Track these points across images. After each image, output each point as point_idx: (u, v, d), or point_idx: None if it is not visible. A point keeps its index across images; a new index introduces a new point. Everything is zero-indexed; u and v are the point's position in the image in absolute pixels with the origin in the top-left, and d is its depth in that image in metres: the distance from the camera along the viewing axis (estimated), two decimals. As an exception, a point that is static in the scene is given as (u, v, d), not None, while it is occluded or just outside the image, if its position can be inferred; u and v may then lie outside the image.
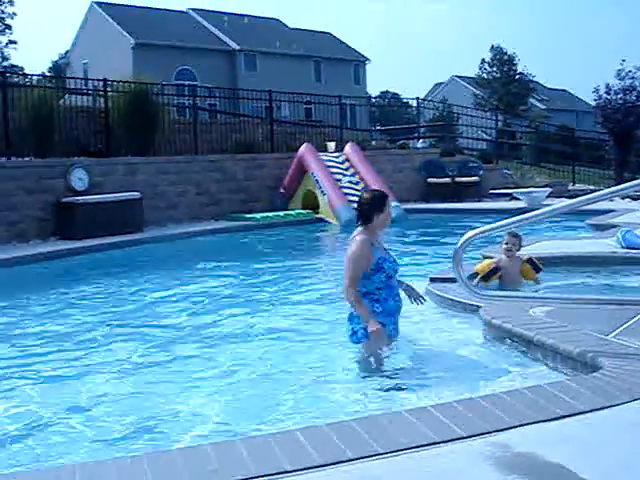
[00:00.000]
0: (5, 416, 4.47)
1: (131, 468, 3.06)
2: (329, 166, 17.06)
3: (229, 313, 7.32)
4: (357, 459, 3.07)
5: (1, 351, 6.16)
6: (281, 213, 16.57)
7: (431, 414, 3.54)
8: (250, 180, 17.50)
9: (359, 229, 5.42)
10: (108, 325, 7.03)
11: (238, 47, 50.22)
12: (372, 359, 5.15)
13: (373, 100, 49.46)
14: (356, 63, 57.13)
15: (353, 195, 16.42)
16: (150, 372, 5.37)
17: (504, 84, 54.14)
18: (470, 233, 4.74)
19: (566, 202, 5.36)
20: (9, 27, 60.48)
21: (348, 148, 18.06)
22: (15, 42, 61.75)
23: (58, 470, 3.15)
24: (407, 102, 36.07)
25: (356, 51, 58.28)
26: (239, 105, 21.82)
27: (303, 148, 17.33)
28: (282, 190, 17.57)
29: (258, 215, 16.25)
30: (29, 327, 7.06)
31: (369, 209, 5.38)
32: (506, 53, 56.39)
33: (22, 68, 49.74)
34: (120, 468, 3.07)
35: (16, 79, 18.63)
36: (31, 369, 5.55)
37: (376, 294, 5.28)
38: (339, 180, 16.74)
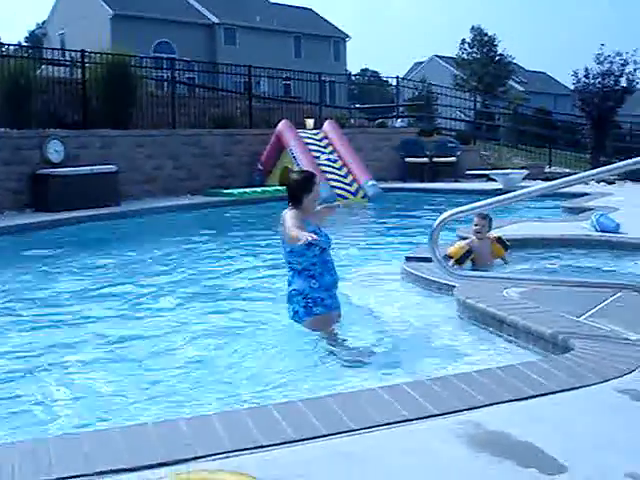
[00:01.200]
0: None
1: (105, 440, 3.07)
2: (307, 143, 17.03)
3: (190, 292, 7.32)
4: (331, 435, 3.10)
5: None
6: (258, 189, 16.54)
7: (404, 392, 3.58)
8: (228, 155, 17.44)
9: (288, 210, 5.42)
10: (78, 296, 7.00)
11: (218, 21, 49.73)
12: (323, 336, 5.18)
13: (353, 78, 49.21)
14: (336, 40, 56.82)
15: (331, 173, 16.45)
16: (125, 346, 5.37)
17: (484, 65, 54.11)
18: (446, 213, 4.77)
19: (542, 184, 5.39)
20: (-15, -5, 59.67)
21: (327, 125, 18.02)
22: (-9, 10, 61.04)
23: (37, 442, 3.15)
24: (387, 81, 36.01)
25: (336, 28, 57.97)
26: (218, 79, 21.68)
27: (281, 124, 17.27)
28: (260, 166, 17.52)
29: (235, 191, 16.21)
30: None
31: (298, 190, 5.42)
32: (486, 34, 56.32)
33: (-2, 37, 49.11)
34: (92, 441, 3.07)
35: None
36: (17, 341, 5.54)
37: (311, 270, 5.35)
38: (317, 157, 16.72)
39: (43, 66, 17.04)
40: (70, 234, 11.52)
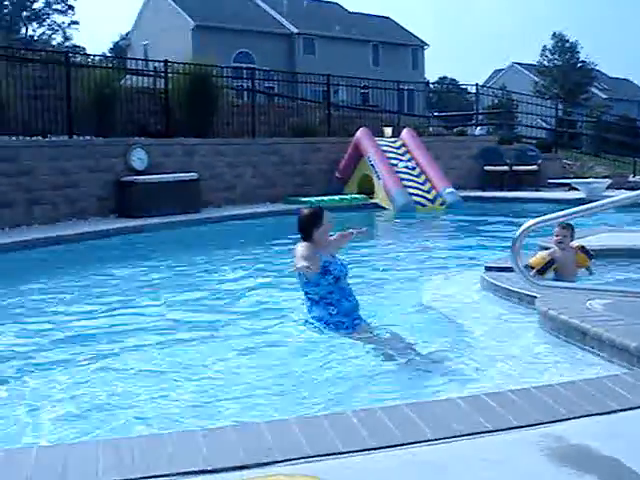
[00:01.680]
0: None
1: (186, 442, 3.13)
2: (385, 151, 17.02)
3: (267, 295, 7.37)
4: (409, 443, 3.08)
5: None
6: (336, 197, 16.59)
7: (485, 402, 3.54)
8: (306, 164, 17.56)
9: (300, 243, 5.60)
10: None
11: (297, 31, 50.18)
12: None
13: (431, 86, 48.98)
14: (414, 48, 56.62)
15: (409, 180, 16.39)
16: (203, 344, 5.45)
17: (565, 72, 53.17)
18: (529, 222, 4.69)
19: (626, 194, 5.25)
20: (71, 7, 61.80)
21: (405, 133, 17.97)
22: (77, 22, 63.34)
23: (115, 442, 3.23)
24: (465, 88, 35.63)
25: (415, 36, 57.77)
26: (297, 88, 21.86)
27: (360, 132, 17.30)
28: (338, 174, 17.58)
29: (313, 199, 16.28)
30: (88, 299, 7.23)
31: (307, 225, 5.60)
32: (568, 40, 55.35)
33: (84, 49, 50.81)
34: (175, 442, 3.14)
35: (78, 59, 18.88)
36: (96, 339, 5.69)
37: (328, 298, 5.49)
38: (395, 165, 16.68)
39: (127, 76, 17.48)
40: (152, 239, 11.82)
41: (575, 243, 7.48)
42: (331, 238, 5.85)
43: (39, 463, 2.94)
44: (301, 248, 5.49)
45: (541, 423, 3.31)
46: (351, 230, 6.24)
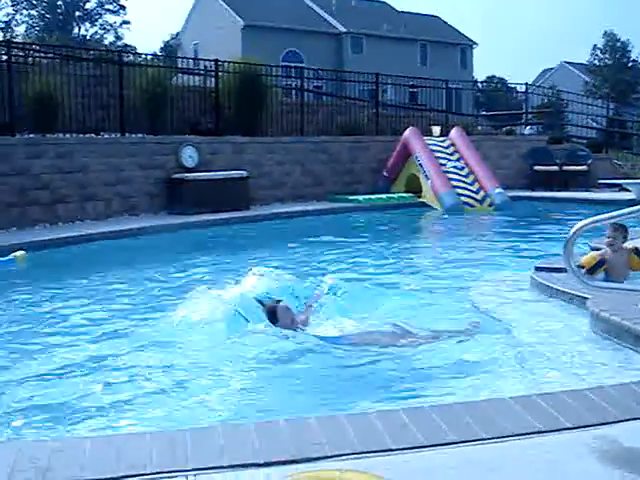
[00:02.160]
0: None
1: (237, 435, 3.18)
2: (433, 150, 16.93)
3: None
4: (461, 442, 3.08)
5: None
6: (384, 196, 16.58)
7: (536, 403, 3.52)
8: (354, 162, 17.57)
9: None
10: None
11: (345, 30, 50.18)
12: None
13: (479, 85, 48.55)
14: (463, 47, 56.20)
15: (457, 180, 16.29)
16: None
17: (616, 71, 52.31)
18: (582, 222, 4.65)
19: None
20: (123, 7, 62.59)
21: (453, 133, 17.87)
22: (128, 22, 64.03)
23: (171, 434, 3.28)
24: (514, 87, 35.24)
25: (463, 35, 57.32)
26: (345, 87, 21.87)
27: (408, 131, 17.25)
28: (385, 173, 17.56)
29: (361, 197, 16.31)
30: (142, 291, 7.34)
31: (270, 321, 5.81)
32: (619, 40, 54.45)
33: (135, 48, 51.41)
34: (227, 435, 3.18)
35: (131, 58, 19.16)
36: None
37: None
38: (443, 165, 16.59)
39: (178, 75, 17.68)
40: (205, 236, 11.98)
41: (630, 245, 7.36)
42: (301, 317, 6.04)
43: (93, 453, 3.00)
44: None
45: (593, 425, 3.28)
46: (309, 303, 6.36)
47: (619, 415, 3.38)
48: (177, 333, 5.67)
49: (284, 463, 2.89)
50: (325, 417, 3.48)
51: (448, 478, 2.79)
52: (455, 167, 16.69)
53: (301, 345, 5.35)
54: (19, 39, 40.43)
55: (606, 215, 4.88)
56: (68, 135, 13.26)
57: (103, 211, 12.91)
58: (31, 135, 12.82)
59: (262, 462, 2.90)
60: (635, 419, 3.35)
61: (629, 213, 5.00)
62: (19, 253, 8.93)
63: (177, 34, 57.90)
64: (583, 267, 6.90)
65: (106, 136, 13.92)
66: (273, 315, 5.83)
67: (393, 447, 3.03)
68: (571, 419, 3.32)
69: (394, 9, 57.02)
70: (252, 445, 3.05)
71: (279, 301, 5.97)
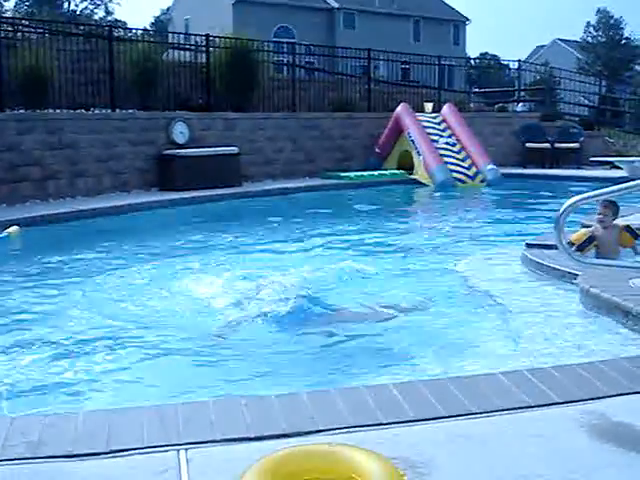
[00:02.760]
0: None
1: (228, 410, 3.19)
2: (426, 127, 16.90)
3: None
4: (451, 417, 3.11)
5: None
6: (375, 172, 16.55)
7: (526, 378, 3.54)
8: (346, 139, 17.52)
9: None
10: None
11: (337, 5, 49.90)
12: None
13: (472, 62, 48.38)
14: (455, 23, 56.00)
15: (449, 157, 16.28)
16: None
17: (609, 49, 52.24)
18: (573, 199, 4.66)
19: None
20: (114, -18, 61.88)
21: (445, 109, 17.83)
22: (119, -4, 63.28)
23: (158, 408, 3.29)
24: (507, 64, 35.13)
25: (456, 11, 57.10)
26: (337, 63, 21.75)
27: (400, 108, 17.20)
28: (377, 150, 17.52)
29: (352, 174, 16.28)
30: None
31: None
32: (612, 17, 54.34)
33: (125, 23, 51.01)
34: (218, 409, 3.20)
35: (121, 33, 18.99)
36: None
37: None
38: (435, 141, 16.57)
39: (169, 50, 17.54)
40: (196, 212, 11.97)
41: (622, 222, 7.37)
42: None
43: (85, 428, 3.01)
44: None
45: (582, 400, 3.30)
46: None
47: (608, 390, 3.40)
48: (172, 313, 5.69)
49: (276, 437, 2.91)
50: (316, 392, 3.50)
51: (438, 452, 2.80)
52: (447, 143, 16.68)
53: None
54: (8, 14, 39.96)
55: (597, 192, 4.90)
56: (58, 111, 13.16)
57: (94, 187, 12.85)
58: (21, 110, 12.71)
59: (253, 436, 2.91)
60: (624, 394, 3.38)
61: (620, 190, 5.02)
62: (12, 229, 8.78)
63: (168, 9, 57.51)
64: (573, 244, 6.92)
65: (96, 112, 13.82)
66: None
67: (384, 421, 3.05)
68: (560, 394, 3.34)
69: (386, -16, 56.70)
70: (243, 420, 3.06)
71: None
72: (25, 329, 5.33)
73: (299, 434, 2.93)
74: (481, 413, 3.15)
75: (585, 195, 4.78)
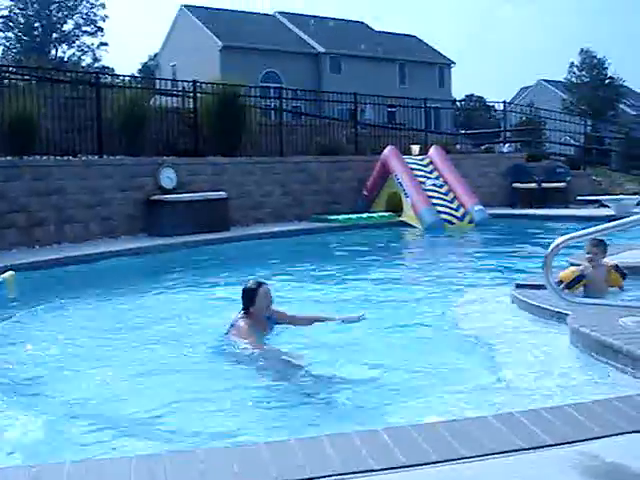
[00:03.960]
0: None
1: (219, 459, 3.14)
2: (413, 169, 17.00)
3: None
4: (442, 461, 3.06)
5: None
6: (364, 215, 16.59)
7: (518, 420, 3.51)
8: (333, 182, 17.59)
9: (241, 313, 5.92)
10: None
11: (323, 50, 50.50)
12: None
13: (458, 104, 48.98)
14: (441, 66, 56.72)
15: (437, 198, 16.35)
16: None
17: (593, 88, 52.96)
18: (561, 238, 4.67)
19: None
20: (101, 29, 62.76)
21: (432, 151, 17.95)
22: (106, 44, 64.14)
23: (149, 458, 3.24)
24: (492, 106, 35.54)
25: (441, 54, 57.87)
26: (324, 107, 21.94)
27: (387, 151, 17.32)
28: (365, 192, 17.59)
29: (341, 217, 16.31)
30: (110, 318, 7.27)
31: (245, 301, 5.93)
32: (596, 57, 55.19)
33: (113, 69, 51.39)
34: (207, 459, 3.14)
35: (108, 79, 19.10)
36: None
37: None
38: (423, 183, 16.65)
39: (156, 96, 17.65)
40: (183, 258, 11.91)
41: (610, 262, 7.39)
42: (304, 315, 6.30)
43: (71, 479, 2.96)
44: (240, 327, 5.77)
45: (576, 441, 3.27)
46: (340, 318, 6.43)
47: (601, 431, 3.37)
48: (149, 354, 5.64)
49: (265, 486, 2.86)
50: (306, 439, 3.45)
51: (431, 498, 2.76)
52: (434, 185, 16.76)
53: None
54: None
55: (584, 231, 4.91)
56: (45, 157, 13.18)
57: (81, 234, 12.80)
58: (7, 157, 12.72)
59: (242, 485, 2.86)
60: (617, 434, 3.35)
61: (607, 229, 5.04)
62: (8, 274, 8.59)
63: (155, 55, 58.03)
64: (562, 282, 6.93)
65: (83, 158, 13.85)
66: (253, 294, 5.87)
67: (375, 467, 3.00)
68: (553, 436, 3.31)
69: (372, 29, 57.53)
70: (232, 469, 3.01)
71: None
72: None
73: (289, 482, 2.89)
74: (473, 457, 3.11)
75: (572, 235, 4.79)
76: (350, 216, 16.40)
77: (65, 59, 60.45)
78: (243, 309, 5.96)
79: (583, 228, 5.10)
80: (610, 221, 5.14)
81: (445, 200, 16.40)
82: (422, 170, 17.14)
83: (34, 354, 5.92)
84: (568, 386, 4.62)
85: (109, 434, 4.14)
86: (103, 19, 62.85)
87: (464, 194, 16.60)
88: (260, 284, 6.03)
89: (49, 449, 3.93)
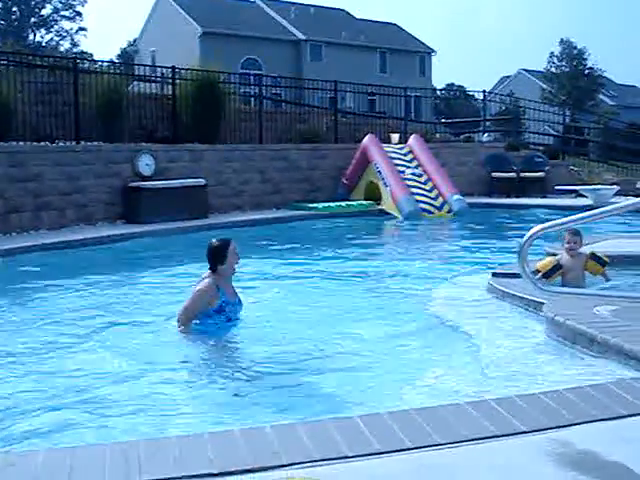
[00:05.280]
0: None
1: (192, 446, 3.14)
2: (392, 158, 17.01)
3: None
4: (416, 448, 3.09)
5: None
6: (343, 203, 16.59)
7: (492, 407, 3.54)
8: (313, 170, 17.57)
9: (208, 272, 5.84)
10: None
11: (304, 37, 50.33)
12: None
13: (438, 92, 49.01)
14: (421, 55, 56.72)
15: (416, 188, 16.38)
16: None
17: (573, 79, 53.21)
18: (536, 228, 4.71)
19: (634, 200, 5.26)
20: (79, 14, 62.31)
21: (412, 140, 17.97)
22: (85, 29, 63.79)
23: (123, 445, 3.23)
24: (472, 95, 35.58)
25: (422, 42, 57.87)
26: (304, 95, 21.89)
27: (366, 139, 17.31)
28: (345, 181, 17.59)
29: (320, 205, 16.31)
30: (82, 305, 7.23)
31: (212, 260, 5.80)
32: (576, 47, 55.43)
33: (91, 55, 51.01)
34: (181, 445, 3.14)
35: (86, 65, 18.95)
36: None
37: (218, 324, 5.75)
38: (402, 172, 16.67)
39: (135, 82, 17.52)
40: (161, 244, 11.85)
41: (587, 250, 7.43)
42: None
43: (45, 467, 2.95)
44: (203, 285, 5.73)
45: (548, 428, 3.31)
46: None
47: (574, 418, 3.41)
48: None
49: (240, 473, 2.87)
50: (281, 425, 3.46)
51: (404, 484, 2.78)
52: (414, 174, 16.79)
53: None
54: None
55: (558, 221, 4.95)
56: (21, 143, 13.05)
57: (58, 220, 12.70)
58: (-17, 143, 12.58)
59: (217, 472, 2.87)
60: (589, 422, 3.39)
61: (584, 218, 5.08)
62: None
63: (134, 41, 57.58)
64: (539, 271, 6.97)
65: (61, 144, 13.72)
66: (225, 250, 5.77)
67: (349, 454, 3.02)
68: (525, 423, 3.34)
69: (353, 17, 57.39)
70: (207, 455, 3.01)
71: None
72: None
73: (264, 469, 2.89)
74: (447, 444, 3.13)
75: (547, 224, 4.83)
76: (329, 204, 16.40)
77: (43, 44, 59.89)
78: (210, 268, 5.82)
79: (560, 217, 5.13)
80: (587, 211, 5.17)
81: (424, 189, 16.43)
82: (401, 159, 17.16)
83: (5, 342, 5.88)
84: (542, 374, 4.66)
85: (80, 421, 4.13)
86: (82, 4, 62.40)
87: (443, 183, 16.64)
88: (229, 240, 5.91)
89: (23, 436, 3.91)
